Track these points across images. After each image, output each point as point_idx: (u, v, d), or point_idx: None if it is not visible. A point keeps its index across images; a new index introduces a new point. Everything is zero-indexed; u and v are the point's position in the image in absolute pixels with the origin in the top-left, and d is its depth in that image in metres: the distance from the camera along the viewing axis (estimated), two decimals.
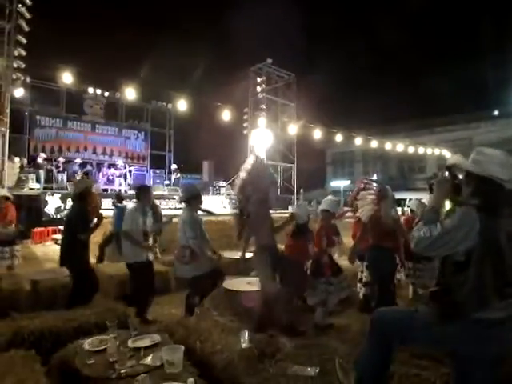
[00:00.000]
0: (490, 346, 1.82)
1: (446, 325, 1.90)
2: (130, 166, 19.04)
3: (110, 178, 17.02)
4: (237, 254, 5.11)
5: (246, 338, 2.89)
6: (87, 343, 2.84)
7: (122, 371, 2.44)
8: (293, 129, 18.72)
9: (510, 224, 1.86)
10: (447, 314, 1.90)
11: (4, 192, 6.85)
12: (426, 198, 7.23)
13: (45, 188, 14.03)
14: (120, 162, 17.83)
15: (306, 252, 4.59)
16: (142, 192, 4.98)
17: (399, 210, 7.83)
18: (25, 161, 14.36)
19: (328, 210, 4.78)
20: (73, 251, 4.57)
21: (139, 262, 4.70)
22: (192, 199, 4.70)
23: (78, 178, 15.93)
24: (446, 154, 24.40)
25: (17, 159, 13.29)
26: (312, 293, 4.56)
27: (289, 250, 4.65)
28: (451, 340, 1.92)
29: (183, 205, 4.84)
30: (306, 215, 4.66)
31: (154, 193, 14.91)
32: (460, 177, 2.12)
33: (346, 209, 6.45)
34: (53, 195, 12.90)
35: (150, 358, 2.60)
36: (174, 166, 18.81)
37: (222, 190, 18.21)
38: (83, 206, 4.71)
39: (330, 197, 5.31)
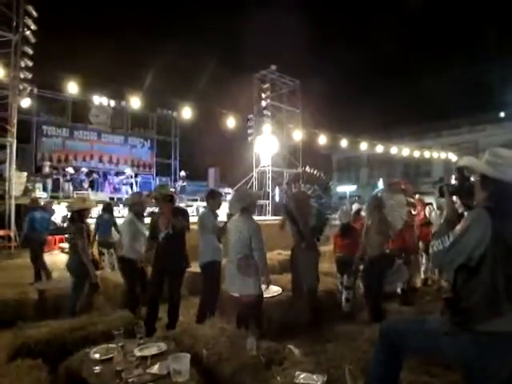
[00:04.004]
0: (505, 361, 1.73)
1: (457, 336, 1.82)
2: (136, 174, 19.13)
3: (117, 186, 17.09)
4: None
5: (253, 345, 2.87)
6: (94, 352, 2.83)
7: (129, 380, 2.42)
8: (298, 135, 18.74)
9: None
10: (458, 322, 1.82)
11: None
12: (433, 201, 7.22)
13: (51, 197, 14.11)
14: (128, 170, 17.91)
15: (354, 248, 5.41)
16: (212, 197, 5.06)
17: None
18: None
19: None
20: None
21: (219, 261, 4.83)
22: (252, 206, 4.45)
23: (85, 185, 16.07)
24: (452, 157, 24.30)
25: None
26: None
27: (340, 248, 5.70)
28: (463, 352, 1.83)
29: (239, 213, 4.35)
30: (347, 217, 5.75)
31: None
32: (472, 179, 2.06)
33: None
34: (59, 204, 12.96)
35: (156, 366, 2.59)
36: (182, 173, 18.87)
37: (228, 197, 18.20)
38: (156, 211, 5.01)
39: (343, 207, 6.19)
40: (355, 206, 6.22)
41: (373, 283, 4.92)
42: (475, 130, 26.82)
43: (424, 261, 7.26)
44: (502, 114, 26.53)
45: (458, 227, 1.85)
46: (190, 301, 5.87)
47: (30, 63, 12.41)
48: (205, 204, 5.52)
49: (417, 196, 8.58)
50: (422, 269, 7.29)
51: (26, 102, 13.25)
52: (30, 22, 12.17)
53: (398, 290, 6.31)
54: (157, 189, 5.08)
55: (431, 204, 7.19)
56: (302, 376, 2.48)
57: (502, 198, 1.83)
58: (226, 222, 4.74)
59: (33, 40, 12.39)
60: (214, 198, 5.03)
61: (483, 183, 1.91)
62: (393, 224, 5.12)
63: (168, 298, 4.72)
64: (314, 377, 2.46)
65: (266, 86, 19.80)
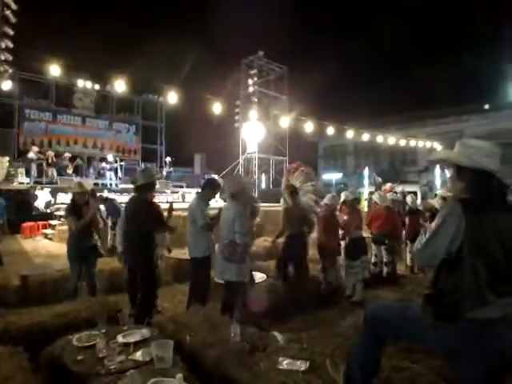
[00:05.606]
0: (488, 345, 1.74)
1: (441, 326, 1.83)
2: (122, 159, 18.87)
3: (101, 171, 16.86)
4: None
5: (237, 332, 2.88)
6: (76, 339, 2.80)
7: (111, 367, 2.41)
8: (284, 122, 18.66)
9: (501, 218, 1.77)
10: (441, 315, 1.82)
11: None
12: (417, 190, 7.32)
13: (35, 182, 13.87)
14: (110, 156, 17.59)
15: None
16: (212, 186, 4.76)
17: None
18: None
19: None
20: None
21: (208, 256, 4.54)
22: (241, 192, 4.36)
23: (68, 171, 15.78)
24: (438, 146, 24.53)
25: None
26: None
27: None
28: (447, 341, 1.84)
29: (228, 199, 4.42)
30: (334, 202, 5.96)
31: None
32: (446, 172, 2.05)
33: None
34: (43, 189, 12.76)
35: (139, 353, 2.58)
36: (168, 159, 18.67)
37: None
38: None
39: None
40: (344, 195, 6.13)
41: (292, 255, 5.35)
42: (461, 120, 27.02)
43: (409, 248, 7.35)
44: (487, 106, 26.79)
45: (433, 224, 1.86)
46: (175, 287, 5.88)
47: (11, 44, 12.03)
48: (190, 190, 5.43)
49: (388, 184, 8.89)
50: (409, 256, 7.37)
51: (7, 85, 12.89)
52: (9, 0, 11.77)
53: (384, 273, 6.44)
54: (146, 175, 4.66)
55: (415, 193, 7.33)
56: (285, 362, 2.50)
57: (477, 188, 1.84)
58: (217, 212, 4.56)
59: (13, 20, 11.98)
60: (213, 189, 4.74)
61: (459, 174, 1.92)
62: (307, 209, 5.70)
63: None
64: (297, 363, 2.49)
65: (254, 71, 19.62)
